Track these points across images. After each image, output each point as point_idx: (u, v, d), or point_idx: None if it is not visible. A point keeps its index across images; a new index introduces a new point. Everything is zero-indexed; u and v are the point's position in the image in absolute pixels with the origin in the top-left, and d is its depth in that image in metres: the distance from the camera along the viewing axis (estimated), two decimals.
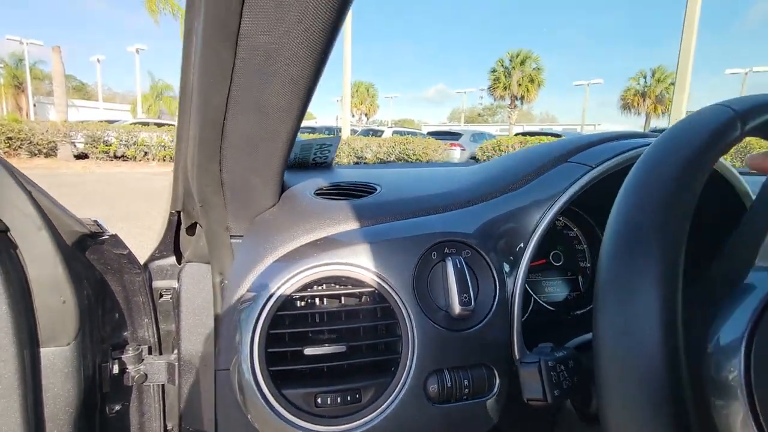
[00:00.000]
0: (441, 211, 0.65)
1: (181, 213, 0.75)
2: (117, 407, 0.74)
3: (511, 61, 31.42)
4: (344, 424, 0.53)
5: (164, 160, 12.95)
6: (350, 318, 0.57)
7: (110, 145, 12.56)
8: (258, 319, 0.53)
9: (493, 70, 32.26)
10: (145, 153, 12.91)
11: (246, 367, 0.52)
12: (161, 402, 0.79)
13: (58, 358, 0.59)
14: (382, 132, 17.32)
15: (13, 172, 0.56)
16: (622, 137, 0.73)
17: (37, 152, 12.00)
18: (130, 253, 0.70)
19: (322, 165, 0.95)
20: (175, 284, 0.78)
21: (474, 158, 14.20)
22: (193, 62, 0.48)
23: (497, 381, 0.58)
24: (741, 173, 0.66)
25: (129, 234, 0.68)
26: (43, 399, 0.59)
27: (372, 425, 0.53)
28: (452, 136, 16.50)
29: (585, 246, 0.89)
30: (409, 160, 13.44)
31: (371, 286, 0.56)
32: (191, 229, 0.76)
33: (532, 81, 31.00)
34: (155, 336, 0.77)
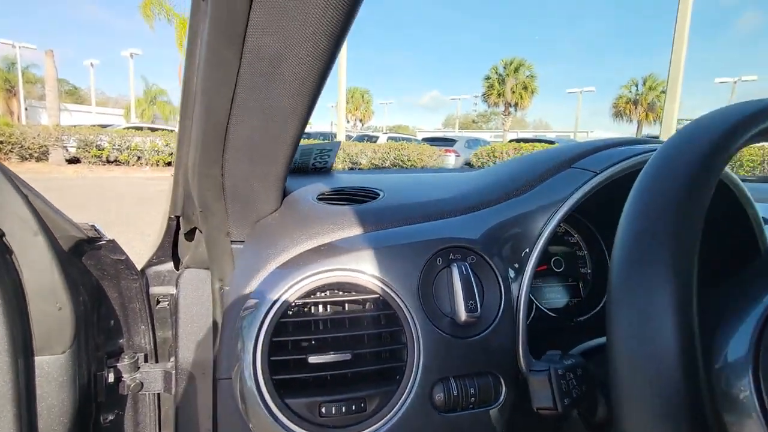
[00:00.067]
0: (445, 217, 0.64)
1: (180, 218, 0.74)
2: (111, 417, 0.72)
3: (505, 68, 31.73)
4: None
5: (157, 164, 12.88)
6: (354, 325, 0.56)
7: (103, 150, 12.47)
8: (261, 326, 0.52)
9: (487, 78, 32.55)
10: (138, 158, 12.83)
11: (248, 376, 0.51)
12: (157, 411, 0.78)
13: (53, 367, 0.58)
14: (377, 138, 17.36)
15: (8, 175, 0.55)
16: (625, 143, 0.73)
17: (28, 156, 11.88)
18: (127, 258, 0.69)
19: (322, 170, 0.94)
20: (172, 290, 0.76)
21: (469, 164, 14.29)
22: (196, 66, 0.47)
23: (503, 389, 0.57)
24: (742, 180, 0.66)
25: (120, 239, 0.67)
26: (38, 410, 0.57)
27: None
28: (447, 142, 16.61)
29: (585, 252, 0.89)
30: (404, 166, 13.48)
31: (376, 293, 0.55)
32: (190, 235, 0.75)
33: (525, 88, 31.30)
34: (151, 343, 0.75)
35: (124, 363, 0.70)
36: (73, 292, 0.59)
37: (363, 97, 41.86)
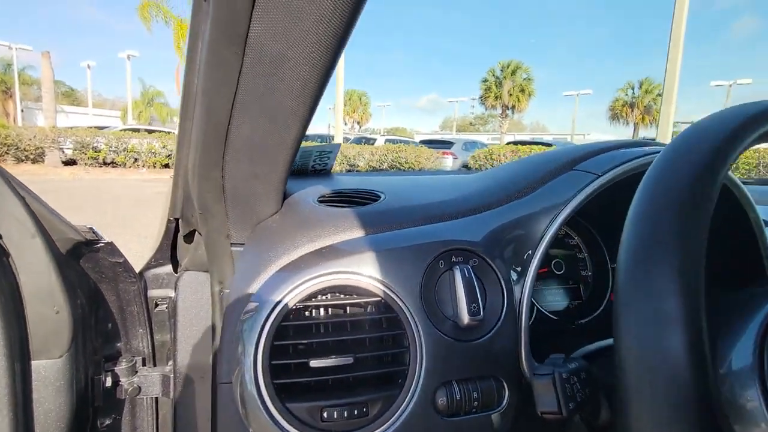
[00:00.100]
0: (447, 219, 0.64)
1: (180, 220, 0.73)
2: (108, 421, 0.72)
3: (502, 71, 31.84)
4: None
5: (154, 166, 12.85)
6: (356, 329, 0.55)
7: (99, 152, 12.43)
8: (262, 330, 0.51)
9: (485, 80, 32.65)
10: (135, 159, 12.79)
11: (249, 380, 0.50)
12: (154, 415, 0.77)
13: (50, 371, 0.57)
14: (375, 140, 17.38)
15: (6, 176, 0.54)
16: (626, 146, 0.73)
17: (24, 158, 11.83)
18: (125, 261, 0.68)
19: (321, 172, 0.94)
20: (171, 293, 0.76)
21: (466, 167, 14.31)
22: (197, 66, 0.47)
23: (506, 393, 0.57)
24: (743, 182, 0.66)
25: (116, 242, 0.66)
26: (34, 415, 0.56)
27: None
28: (444, 144, 16.63)
29: (586, 255, 0.89)
30: (402, 168, 13.49)
31: (377, 296, 0.55)
32: (189, 237, 0.74)
33: (522, 91, 31.41)
34: (149, 347, 0.75)
35: (121, 367, 0.69)
36: (71, 295, 0.58)
37: (361, 99, 41.93)
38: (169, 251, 0.77)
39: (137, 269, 0.74)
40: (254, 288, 0.56)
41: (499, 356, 0.57)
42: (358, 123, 42.58)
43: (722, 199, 0.66)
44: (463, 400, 0.54)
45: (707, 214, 0.32)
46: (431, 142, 17.28)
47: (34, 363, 0.56)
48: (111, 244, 0.66)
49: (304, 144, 0.60)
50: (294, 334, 0.54)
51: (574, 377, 0.50)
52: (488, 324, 0.57)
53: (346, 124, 39.30)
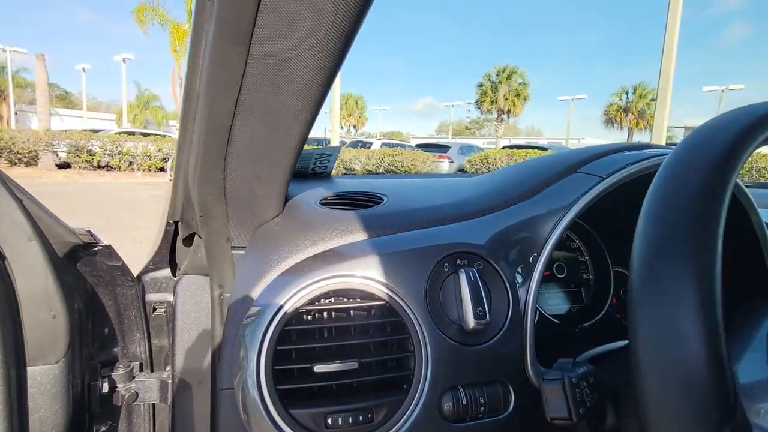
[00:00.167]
0: (451, 222, 0.64)
1: (179, 223, 0.72)
2: (104, 428, 0.70)
3: (497, 75, 32.04)
4: None
5: (149, 170, 12.79)
6: (360, 333, 0.54)
7: (94, 155, 12.35)
8: (265, 334, 0.50)
9: (480, 85, 32.83)
10: (130, 163, 12.72)
11: (251, 385, 0.49)
12: (152, 422, 0.76)
13: (46, 378, 0.55)
14: (371, 144, 17.39)
15: (2, 178, 0.53)
16: (629, 148, 0.73)
17: (17, 161, 11.73)
18: (123, 264, 0.67)
19: (321, 175, 0.93)
20: (169, 297, 0.74)
21: (462, 170, 14.35)
22: (200, 66, 0.46)
23: (512, 398, 0.56)
24: (747, 186, 0.66)
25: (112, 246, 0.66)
26: (29, 422, 0.55)
27: None
28: (440, 148, 16.68)
29: (587, 258, 0.89)
30: (398, 172, 13.51)
31: (382, 300, 0.54)
32: (188, 240, 0.73)
33: (518, 95, 31.61)
34: (147, 352, 0.73)
35: (118, 372, 0.68)
36: (68, 299, 0.57)
37: (357, 103, 42.02)
38: (167, 255, 0.76)
39: (135, 273, 0.72)
40: (256, 292, 0.55)
41: (504, 360, 0.57)
42: (354, 127, 42.64)
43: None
44: (469, 406, 0.53)
45: (721, 214, 0.32)
46: (427, 146, 17.34)
47: (29, 369, 0.55)
48: (109, 247, 0.65)
49: None
50: (297, 339, 0.53)
51: (584, 382, 0.49)
52: (494, 328, 0.57)
53: (342, 127, 39.34)
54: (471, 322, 0.54)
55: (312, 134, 0.56)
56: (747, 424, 0.32)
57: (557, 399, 0.48)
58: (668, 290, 0.29)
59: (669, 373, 0.29)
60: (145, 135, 14.26)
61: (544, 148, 15.39)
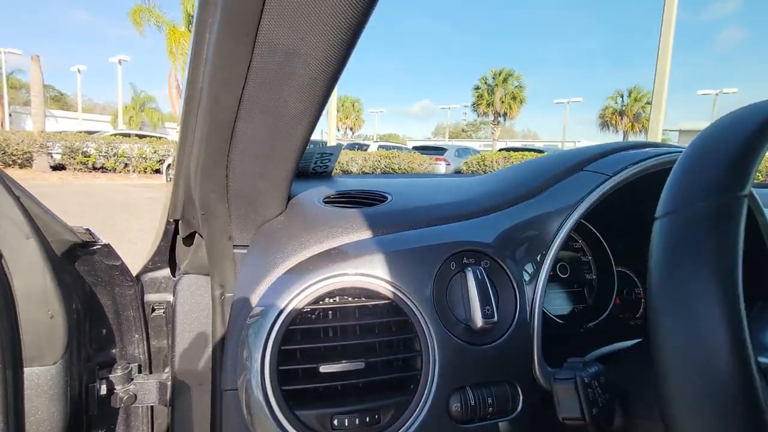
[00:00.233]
0: (457, 220, 0.63)
1: (180, 222, 0.71)
2: (102, 431, 0.69)
3: (494, 78, 32.17)
4: None
5: (145, 172, 12.73)
6: (366, 333, 0.53)
7: (89, 156, 12.28)
8: (269, 334, 0.49)
9: (477, 87, 32.96)
10: (126, 165, 12.66)
11: (255, 386, 0.48)
12: (150, 425, 0.74)
13: (43, 379, 0.54)
14: (368, 146, 17.39)
15: (0, 176, 0.52)
16: (635, 147, 0.73)
17: (11, 163, 11.64)
18: (122, 264, 0.66)
19: (322, 174, 0.92)
20: (168, 297, 0.73)
21: (459, 173, 14.38)
22: (204, 60, 0.45)
23: (520, 398, 0.55)
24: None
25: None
26: (26, 425, 0.53)
27: None
28: (437, 150, 16.74)
29: (590, 258, 0.88)
30: (396, 173, 13.51)
31: (388, 298, 0.53)
32: (189, 239, 0.72)
33: (514, 98, 31.75)
34: (146, 353, 0.72)
35: (116, 374, 0.66)
36: (66, 299, 0.56)
37: (353, 105, 42.03)
38: (167, 254, 0.75)
39: (134, 273, 0.71)
40: (260, 291, 0.54)
41: (512, 360, 0.56)
42: (351, 129, 42.64)
43: None
44: (477, 406, 0.52)
45: (742, 210, 0.31)
46: (424, 149, 17.39)
47: (26, 370, 0.54)
48: (108, 246, 0.64)
49: None
50: (302, 339, 0.52)
51: (595, 381, 0.49)
52: (501, 327, 0.56)
53: (339, 130, 39.38)
54: (479, 321, 0.53)
55: None
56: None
57: (570, 399, 0.48)
58: (691, 293, 0.29)
59: (696, 372, 0.28)
60: (141, 137, 14.18)
61: (540, 151, 15.45)
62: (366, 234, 0.59)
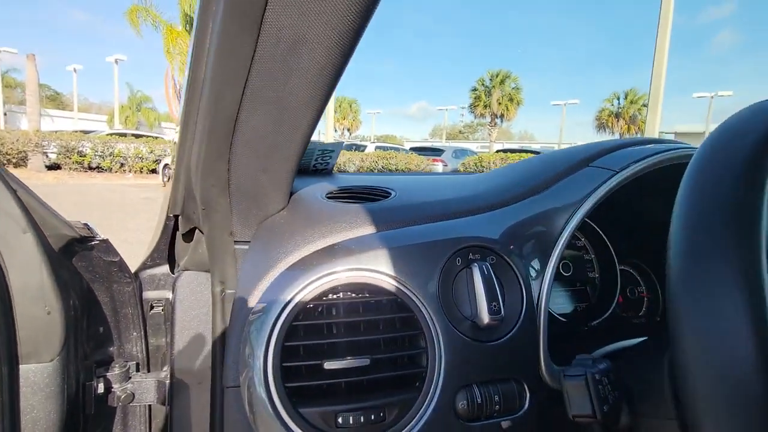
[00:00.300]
0: (462, 216, 0.62)
1: (179, 217, 0.70)
2: (99, 430, 0.67)
3: (491, 80, 32.27)
4: None
5: (141, 171, 12.67)
6: (370, 329, 0.53)
7: (85, 156, 12.22)
8: (272, 330, 0.48)
9: (474, 89, 33.04)
10: (122, 164, 12.60)
11: (258, 383, 0.47)
12: (147, 424, 0.73)
13: (39, 377, 0.53)
14: (365, 147, 17.38)
15: None
16: (641, 143, 0.72)
17: (6, 162, 11.56)
18: (121, 260, 0.65)
19: (323, 171, 0.92)
20: (167, 294, 0.72)
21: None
22: (206, 51, 0.44)
23: (527, 396, 0.55)
24: None
25: None
26: (21, 423, 0.52)
27: None
28: (434, 152, 16.76)
29: (593, 256, 0.88)
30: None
31: (392, 294, 0.52)
32: (188, 236, 0.71)
33: (511, 100, 31.84)
34: (144, 351, 0.71)
35: (114, 372, 0.65)
36: (63, 295, 0.55)
37: (351, 106, 42.03)
38: (166, 250, 0.74)
39: (133, 269, 0.70)
40: (262, 287, 0.53)
41: (518, 357, 0.55)
42: (348, 130, 42.63)
43: None
44: (484, 404, 0.51)
45: (761, 204, 0.30)
46: (421, 150, 17.40)
47: (22, 367, 0.52)
48: (106, 241, 0.62)
49: None
50: (305, 335, 0.51)
51: (605, 378, 0.48)
52: (508, 324, 0.55)
53: (336, 131, 39.35)
54: (485, 317, 0.52)
55: None
56: None
57: (580, 396, 0.47)
58: (714, 292, 0.28)
59: (720, 371, 0.27)
60: (137, 137, 14.14)
61: (537, 152, 15.49)
62: (370, 229, 0.58)
